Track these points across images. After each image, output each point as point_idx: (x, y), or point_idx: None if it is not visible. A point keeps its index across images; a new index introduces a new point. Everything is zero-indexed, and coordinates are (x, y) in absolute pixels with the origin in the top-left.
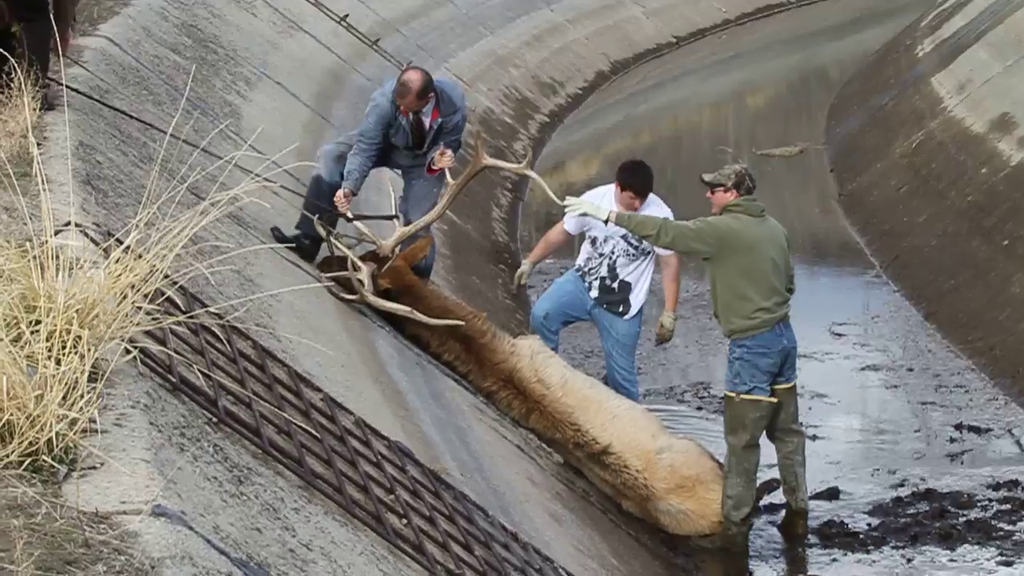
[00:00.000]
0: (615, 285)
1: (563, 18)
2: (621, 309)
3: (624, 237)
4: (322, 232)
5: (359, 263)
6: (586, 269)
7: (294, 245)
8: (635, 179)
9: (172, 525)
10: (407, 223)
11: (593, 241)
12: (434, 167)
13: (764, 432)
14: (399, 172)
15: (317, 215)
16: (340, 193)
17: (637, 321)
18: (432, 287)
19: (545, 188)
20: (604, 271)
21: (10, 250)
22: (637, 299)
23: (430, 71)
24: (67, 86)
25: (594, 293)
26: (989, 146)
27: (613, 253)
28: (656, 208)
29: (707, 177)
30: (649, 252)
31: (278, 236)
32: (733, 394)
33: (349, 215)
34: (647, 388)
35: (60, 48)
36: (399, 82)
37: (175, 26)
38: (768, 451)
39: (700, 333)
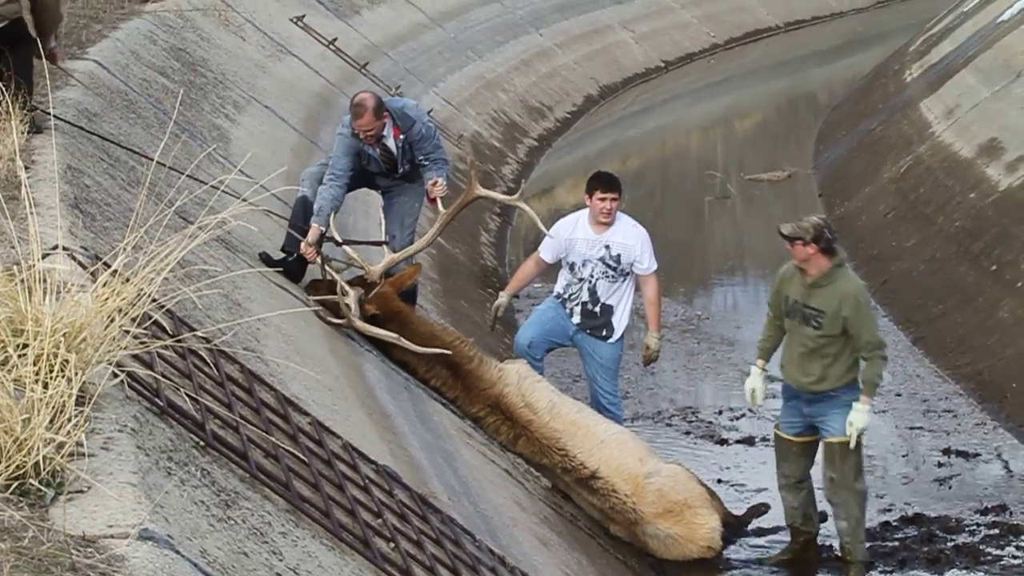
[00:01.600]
0: (597, 309)
1: (552, 43)
2: (604, 333)
3: (602, 259)
4: (316, 259)
5: (347, 288)
6: (566, 296)
7: (282, 268)
8: (599, 180)
9: (159, 549)
10: (396, 249)
11: (571, 267)
12: (430, 197)
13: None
14: (379, 191)
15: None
16: (308, 238)
17: (620, 344)
18: (419, 313)
19: (537, 222)
20: (585, 295)
21: None
22: (620, 322)
23: (419, 95)
24: (55, 116)
25: (576, 319)
26: (977, 171)
27: (592, 276)
28: (632, 228)
29: (786, 230)
30: (628, 274)
31: (266, 260)
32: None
33: (338, 239)
34: (634, 412)
35: (50, 62)
36: (352, 106)
37: (164, 49)
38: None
39: (688, 358)
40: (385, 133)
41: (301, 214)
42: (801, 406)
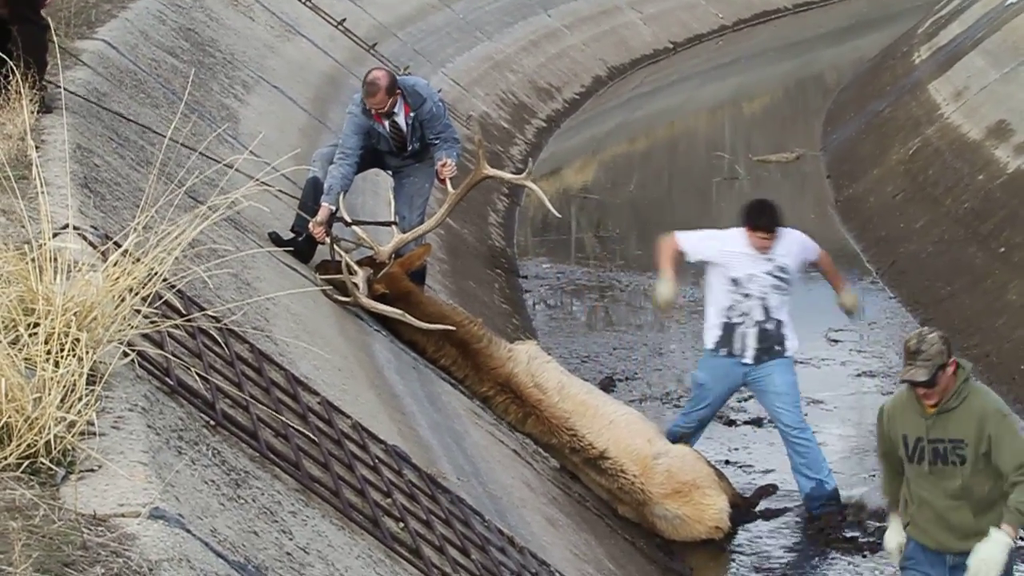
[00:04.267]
0: (771, 326)
1: (560, 23)
2: (780, 347)
3: (770, 273)
4: (325, 238)
5: (355, 267)
6: (735, 319)
7: (292, 248)
8: (762, 218)
9: (170, 528)
10: (405, 230)
11: (734, 282)
12: (441, 178)
13: None
14: (389, 172)
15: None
16: (317, 218)
17: (792, 364)
18: (428, 293)
19: (545, 201)
20: (759, 313)
21: (8, 252)
22: (792, 333)
23: (427, 75)
24: (67, 90)
25: (751, 351)
26: (985, 153)
27: (763, 292)
28: (787, 235)
29: (922, 375)
30: (793, 280)
31: (276, 240)
32: None
33: (348, 219)
34: (642, 393)
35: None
36: (366, 83)
37: (173, 29)
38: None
39: (695, 339)
40: (396, 110)
41: (311, 194)
42: (941, 574)
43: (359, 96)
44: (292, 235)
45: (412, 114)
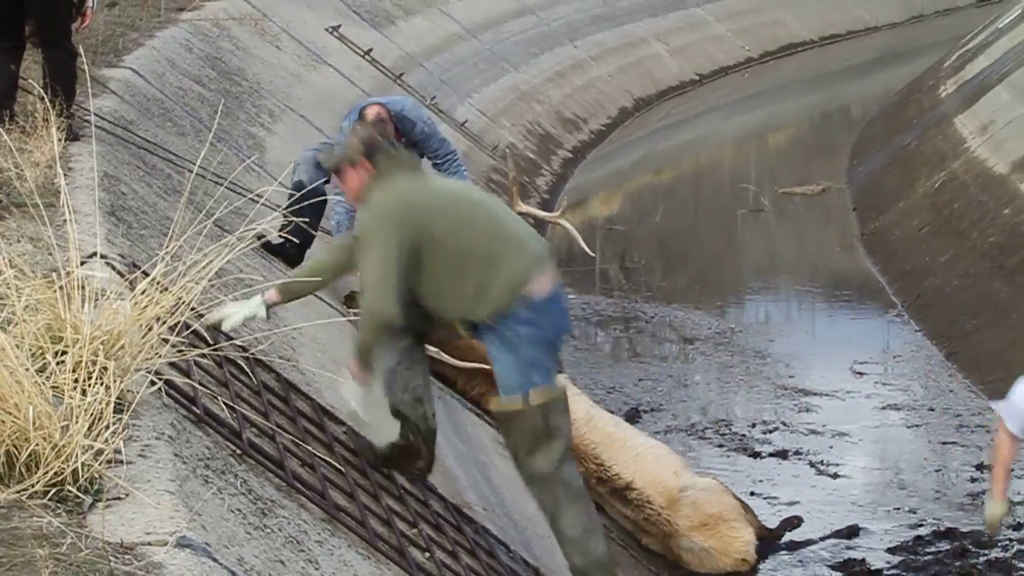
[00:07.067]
0: None
1: (586, 55)
2: None
3: None
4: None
5: None
6: None
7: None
8: None
9: (197, 557)
10: None
11: None
12: None
13: None
14: None
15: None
16: None
17: None
18: None
19: (578, 239)
20: None
21: (36, 280)
22: None
23: (454, 106)
24: (98, 115)
25: None
26: (1011, 187)
27: None
28: None
29: (327, 163)
30: None
31: (266, 244)
32: None
33: None
34: (667, 425)
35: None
36: (371, 123)
37: (199, 58)
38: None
39: (721, 370)
40: None
41: (299, 199)
42: None
43: (348, 125)
44: (281, 240)
45: (403, 139)
